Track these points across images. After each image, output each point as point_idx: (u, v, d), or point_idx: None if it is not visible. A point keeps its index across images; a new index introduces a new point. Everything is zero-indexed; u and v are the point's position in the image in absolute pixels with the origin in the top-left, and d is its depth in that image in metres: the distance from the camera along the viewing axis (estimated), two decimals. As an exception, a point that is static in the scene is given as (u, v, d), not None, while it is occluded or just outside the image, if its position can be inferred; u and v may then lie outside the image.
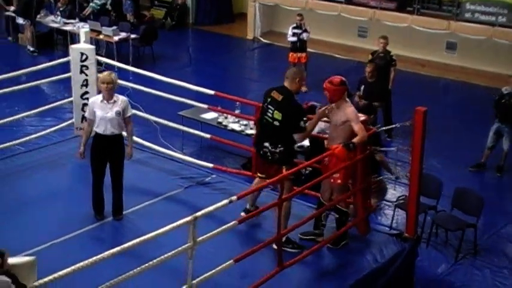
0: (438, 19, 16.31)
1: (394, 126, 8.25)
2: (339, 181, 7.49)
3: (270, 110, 7.37)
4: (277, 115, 7.29)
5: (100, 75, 8.30)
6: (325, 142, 7.88)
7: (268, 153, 7.42)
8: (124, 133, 8.07)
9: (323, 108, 7.76)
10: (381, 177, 8.80)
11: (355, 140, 7.22)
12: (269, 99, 7.43)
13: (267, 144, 7.40)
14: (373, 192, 8.23)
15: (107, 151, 7.89)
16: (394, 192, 10.46)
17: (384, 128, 9.06)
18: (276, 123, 7.31)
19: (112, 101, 7.80)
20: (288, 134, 7.40)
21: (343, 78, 7.60)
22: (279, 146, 7.35)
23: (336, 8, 17.43)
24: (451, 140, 12.61)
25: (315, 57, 16.29)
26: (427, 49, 17.02)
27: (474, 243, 9.06)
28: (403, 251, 7.81)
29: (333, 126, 7.54)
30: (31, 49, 17.58)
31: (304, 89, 15.34)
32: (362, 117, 7.74)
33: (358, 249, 7.78)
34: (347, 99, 7.59)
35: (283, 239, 7.28)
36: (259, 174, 7.81)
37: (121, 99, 7.91)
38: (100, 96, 7.86)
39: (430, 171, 9.54)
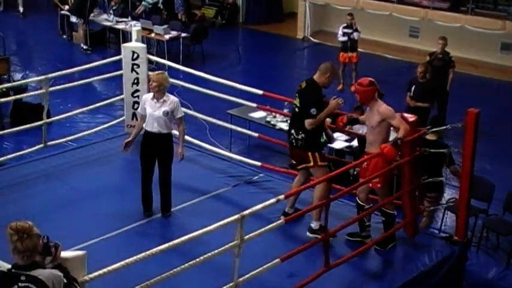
0: (493, 19, 16.05)
1: (445, 128, 8.13)
2: (379, 185, 7.44)
3: (296, 98, 7.69)
4: (297, 101, 7.63)
5: (152, 74, 8.40)
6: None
7: (293, 140, 7.64)
8: (175, 132, 8.15)
9: (335, 98, 7.70)
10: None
11: (400, 135, 7.20)
12: (298, 88, 7.76)
13: (292, 131, 7.66)
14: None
15: (154, 149, 7.94)
16: (444, 195, 10.33)
17: (434, 129, 8.96)
18: (297, 109, 7.63)
19: (162, 100, 7.84)
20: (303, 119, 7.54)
21: (372, 79, 7.55)
22: (300, 132, 7.53)
23: (387, 7, 17.29)
24: (505, 143, 12.41)
25: (366, 57, 16.16)
26: (480, 50, 16.74)
27: (526, 248, 8.91)
28: (453, 255, 7.71)
29: (370, 129, 7.49)
30: (84, 47, 17.83)
31: (353, 88, 15.34)
32: (411, 117, 7.66)
33: (405, 251, 7.72)
34: (378, 99, 7.51)
35: (317, 226, 7.43)
36: (292, 161, 8.06)
37: (171, 99, 7.93)
38: (151, 94, 7.95)
39: (482, 174, 9.39)
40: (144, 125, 7.95)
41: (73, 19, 18.10)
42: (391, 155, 7.07)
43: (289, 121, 8.05)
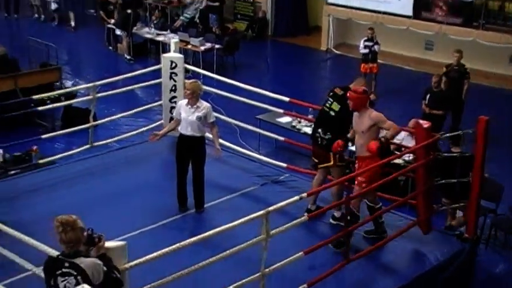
0: (502, 33, 15.86)
1: (457, 133, 8.06)
2: (364, 185, 7.28)
3: (329, 101, 7.67)
4: (335, 106, 7.59)
5: (187, 82, 8.43)
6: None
7: (319, 139, 7.64)
8: (208, 135, 8.18)
9: None
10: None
11: (388, 135, 7.24)
12: (331, 93, 7.72)
13: (319, 130, 7.66)
14: None
15: (188, 150, 7.96)
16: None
17: (447, 134, 8.90)
18: (332, 113, 7.61)
19: (195, 106, 7.86)
20: (339, 125, 7.57)
21: (365, 88, 7.53)
22: (328, 133, 7.56)
23: (404, 22, 17.20)
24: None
25: (385, 68, 16.08)
26: (491, 62, 16.55)
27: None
28: (463, 251, 7.66)
29: (360, 134, 7.36)
30: (128, 57, 17.96)
31: (372, 96, 15.27)
32: (426, 124, 7.62)
33: (420, 247, 7.65)
34: (369, 107, 7.43)
35: (339, 214, 7.50)
36: (314, 160, 8.01)
37: (204, 105, 7.95)
38: (186, 100, 7.96)
39: (491, 176, 9.30)
40: (179, 129, 7.97)
41: (118, 32, 18.27)
42: (372, 149, 7.11)
43: (316, 120, 8.00)
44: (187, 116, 7.85)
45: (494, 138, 7.62)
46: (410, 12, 17.07)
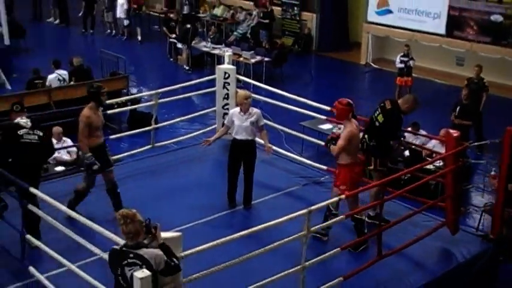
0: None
1: (485, 142, 7.92)
2: (346, 192, 6.96)
3: (377, 112, 7.59)
4: (380, 118, 7.49)
5: (239, 91, 8.44)
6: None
7: (365, 144, 7.55)
8: (258, 140, 8.17)
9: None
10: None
11: (332, 147, 7.17)
12: (381, 105, 7.63)
13: (366, 136, 7.58)
14: None
15: (242, 153, 7.98)
16: (482, 199, 10.04)
17: (475, 143, 8.74)
18: (377, 123, 7.51)
19: (248, 113, 7.90)
20: (382, 134, 7.48)
21: (350, 101, 7.40)
22: (373, 140, 7.49)
23: (438, 40, 16.97)
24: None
25: (419, 81, 15.87)
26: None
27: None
28: (488, 250, 7.51)
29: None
30: (186, 68, 18.12)
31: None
32: (455, 133, 7.50)
33: (447, 246, 7.53)
34: (352, 119, 7.27)
35: (373, 213, 7.40)
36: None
37: (255, 111, 7.98)
38: (238, 109, 7.99)
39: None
40: (233, 134, 8.00)
41: (179, 45, 18.45)
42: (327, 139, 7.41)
43: (365, 127, 7.87)
44: (241, 122, 7.88)
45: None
46: (443, 31, 16.84)
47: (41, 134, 7.25)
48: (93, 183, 7.74)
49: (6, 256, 6.78)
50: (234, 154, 8.03)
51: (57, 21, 22.79)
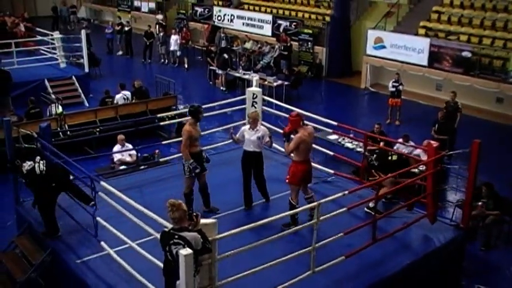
0: (491, 81, 15.33)
1: (457, 151, 7.88)
2: (287, 180, 7.26)
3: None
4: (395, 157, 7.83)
5: (251, 111, 8.40)
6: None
7: (370, 162, 7.82)
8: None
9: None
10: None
11: (285, 145, 7.23)
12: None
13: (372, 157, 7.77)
14: None
15: (251, 162, 7.88)
16: (455, 197, 9.94)
17: (450, 152, 8.69)
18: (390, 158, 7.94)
19: (256, 129, 7.80)
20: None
21: (299, 111, 7.52)
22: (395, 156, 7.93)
23: (421, 70, 16.83)
24: (499, 164, 11.80)
25: (406, 102, 15.72)
26: (482, 101, 16.01)
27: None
28: (458, 237, 7.48)
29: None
30: (223, 89, 18.19)
31: (397, 123, 14.99)
32: (435, 144, 7.45)
33: (427, 233, 7.49)
34: (304, 126, 7.28)
35: (373, 205, 7.28)
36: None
37: (262, 128, 7.87)
38: (248, 126, 7.93)
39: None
40: (243, 147, 7.89)
41: (218, 71, 18.53)
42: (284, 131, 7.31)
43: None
44: (250, 136, 7.79)
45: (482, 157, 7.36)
46: (425, 63, 16.71)
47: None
48: (193, 184, 7.63)
49: (83, 235, 6.92)
50: (245, 163, 7.93)
51: (120, 53, 23.12)
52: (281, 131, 8.02)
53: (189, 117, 7.61)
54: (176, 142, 10.37)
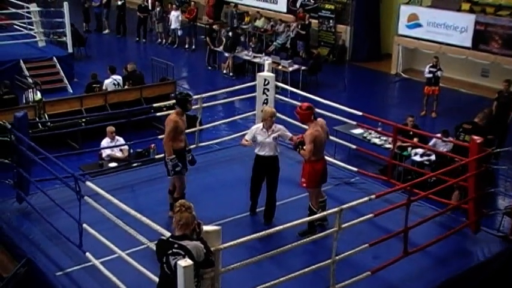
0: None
1: (506, 149, 7.79)
2: (304, 184, 7.25)
3: (462, 135, 8.24)
4: (468, 138, 7.90)
5: (266, 107, 8.23)
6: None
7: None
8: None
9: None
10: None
11: (302, 151, 7.15)
12: (461, 129, 8.32)
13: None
14: None
15: (265, 169, 7.62)
16: (503, 203, 9.83)
17: (497, 150, 8.59)
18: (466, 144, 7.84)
19: (271, 129, 7.54)
20: None
21: (310, 105, 7.37)
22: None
23: (464, 52, 16.65)
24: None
25: (445, 91, 15.61)
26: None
27: None
28: (507, 250, 7.37)
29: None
30: (230, 74, 18.17)
31: (434, 115, 14.88)
32: (478, 139, 7.37)
33: (469, 244, 7.44)
34: (315, 120, 7.25)
35: None
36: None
37: (278, 127, 7.60)
38: (260, 125, 7.64)
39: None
40: (256, 151, 7.62)
41: (225, 54, 18.47)
42: (295, 142, 7.34)
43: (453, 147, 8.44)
44: (264, 138, 7.49)
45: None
46: (469, 44, 16.54)
47: None
48: (183, 183, 7.56)
49: (65, 243, 6.93)
50: (257, 170, 7.66)
51: (107, 31, 23.14)
52: (297, 122, 7.99)
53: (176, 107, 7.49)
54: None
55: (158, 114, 10.05)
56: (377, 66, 19.69)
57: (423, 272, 6.80)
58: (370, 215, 6.37)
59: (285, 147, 9.26)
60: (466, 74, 17.37)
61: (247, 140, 7.70)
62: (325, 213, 6.71)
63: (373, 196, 6.40)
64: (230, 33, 18.57)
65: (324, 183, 7.50)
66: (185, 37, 21.40)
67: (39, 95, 12.91)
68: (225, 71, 18.30)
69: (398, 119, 11.50)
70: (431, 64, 14.79)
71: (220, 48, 18.74)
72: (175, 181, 7.53)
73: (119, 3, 22.23)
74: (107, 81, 13.97)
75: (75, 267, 6.67)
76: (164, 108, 10.94)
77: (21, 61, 15.66)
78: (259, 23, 21.65)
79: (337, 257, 6.00)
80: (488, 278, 7.22)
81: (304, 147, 7.16)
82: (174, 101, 7.82)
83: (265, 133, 7.55)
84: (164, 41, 21.98)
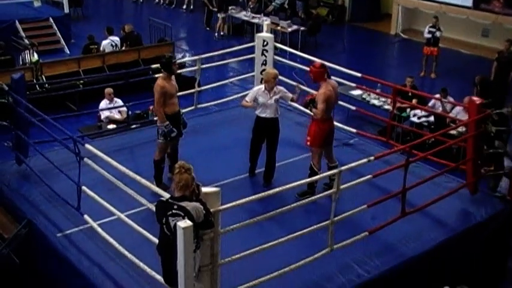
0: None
1: (505, 110, 7.75)
2: (308, 143, 7.24)
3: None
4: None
5: (268, 69, 8.11)
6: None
7: None
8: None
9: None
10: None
11: (313, 109, 7.13)
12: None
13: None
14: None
15: (266, 131, 7.58)
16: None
17: (497, 111, 8.53)
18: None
19: (272, 91, 7.47)
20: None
21: (324, 62, 7.31)
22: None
23: (465, 12, 16.46)
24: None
25: (445, 52, 15.50)
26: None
27: None
28: (504, 210, 7.40)
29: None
30: (222, 34, 17.92)
31: (433, 75, 14.78)
32: (478, 100, 7.32)
33: (467, 205, 7.44)
34: (328, 79, 7.18)
35: None
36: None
37: (279, 89, 7.53)
38: (262, 87, 7.54)
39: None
40: (257, 113, 7.55)
41: (218, 14, 18.22)
42: (305, 101, 7.28)
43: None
44: (266, 100, 7.43)
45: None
46: (470, 3, 16.33)
47: None
48: (167, 149, 7.48)
49: (64, 205, 6.93)
50: (258, 132, 7.60)
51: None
52: (295, 84, 7.91)
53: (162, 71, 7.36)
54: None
55: (156, 75, 9.92)
56: (376, 26, 19.49)
57: (421, 233, 6.82)
58: (369, 176, 6.35)
59: (285, 109, 9.21)
60: (467, 34, 17.21)
61: (247, 101, 7.63)
62: (324, 174, 6.70)
63: (372, 158, 6.36)
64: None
65: (329, 145, 7.45)
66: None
67: (36, 57, 12.78)
68: (216, 34, 17.96)
69: (398, 80, 11.42)
70: (431, 24, 14.64)
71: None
72: (158, 145, 7.45)
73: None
74: (104, 43, 13.82)
75: (74, 229, 6.68)
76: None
77: (17, 22, 15.46)
78: (257, -18, 21.31)
79: (335, 218, 6.01)
80: (486, 238, 7.26)
81: (317, 106, 7.11)
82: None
83: (267, 95, 7.48)
84: (162, 1, 21.68)
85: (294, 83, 8.12)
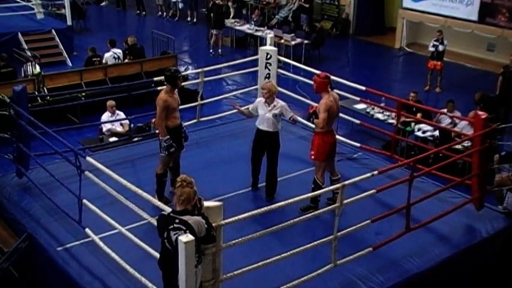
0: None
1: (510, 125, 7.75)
2: (312, 157, 7.25)
3: None
4: None
5: (267, 82, 8.16)
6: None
7: None
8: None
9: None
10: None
11: (315, 120, 7.18)
12: None
13: None
14: None
15: (263, 144, 7.58)
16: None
17: (503, 125, 8.55)
18: None
19: (272, 104, 7.46)
20: None
21: (328, 74, 7.34)
22: None
23: (470, 26, 16.50)
24: None
25: (450, 65, 15.53)
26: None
27: None
28: (510, 226, 7.39)
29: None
30: (212, 52, 17.54)
31: (438, 90, 14.80)
32: (483, 115, 7.33)
33: (472, 221, 7.41)
34: (330, 91, 7.23)
35: None
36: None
37: (280, 104, 7.50)
38: (263, 99, 7.58)
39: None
40: (256, 124, 7.59)
41: (212, 30, 18.00)
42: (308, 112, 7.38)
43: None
44: (264, 113, 7.45)
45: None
46: (475, 17, 16.38)
47: None
48: (169, 163, 7.50)
49: (65, 218, 6.93)
50: (256, 143, 7.63)
51: (104, 3, 22.98)
52: (300, 97, 7.94)
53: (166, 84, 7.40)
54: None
55: (159, 88, 9.96)
56: (381, 40, 19.55)
57: (426, 249, 6.80)
58: (373, 191, 6.35)
59: (288, 123, 9.20)
60: (472, 48, 17.24)
61: (246, 108, 7.71)
62: (327, 188, 6.70)
63: (375, 172, 6.36)
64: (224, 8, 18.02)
65: (332, 158, 7.46)
66: (186, 10, 21.23)
67: (38, 69, 12.84)
68: (211, 51, 17.57)
69: (402, 94, 11.44)
70: (435, 38, 14.68)
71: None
72: (160, 159, 7.46)
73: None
74: (107, 55, 13.89)
75: (75, 243, 6.68)
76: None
77: (19, 34, 15.56)
78: (261, -5, 21.45)
79: (339, 233, 5.99)
80: (492, 254, 7.23)
81: (318, 116, 7.16)
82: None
83: (266, 107, 7.51)
84: (165, 13, 21.81)
85: (298, 96, 8.14)
